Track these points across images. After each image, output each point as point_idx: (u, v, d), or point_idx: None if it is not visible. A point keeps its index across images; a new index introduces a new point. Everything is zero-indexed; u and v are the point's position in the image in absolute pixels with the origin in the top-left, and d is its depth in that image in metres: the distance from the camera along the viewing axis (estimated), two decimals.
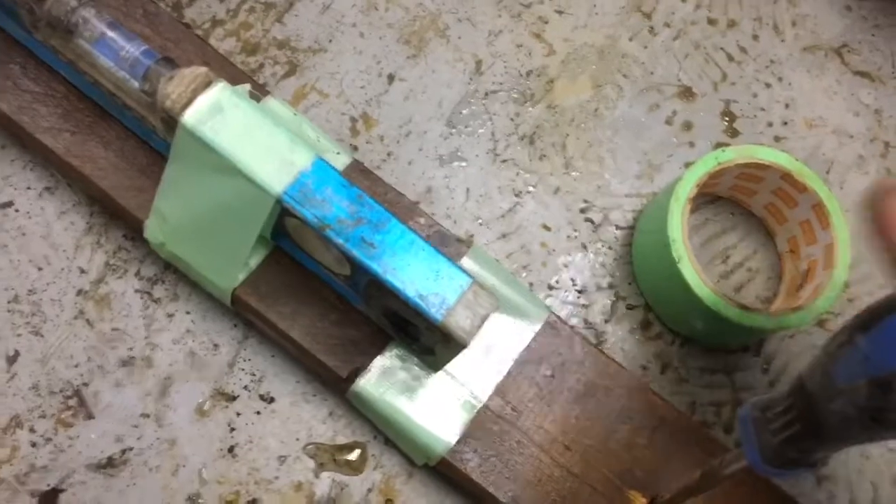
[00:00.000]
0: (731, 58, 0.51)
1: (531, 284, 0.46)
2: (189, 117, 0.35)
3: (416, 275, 0.35)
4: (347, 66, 0.48)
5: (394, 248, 0.35)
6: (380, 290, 0.36)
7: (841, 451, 0.44)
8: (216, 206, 0.37)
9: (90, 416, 0.41)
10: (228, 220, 0.37)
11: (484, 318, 0.35)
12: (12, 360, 0.42)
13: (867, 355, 0.25)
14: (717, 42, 0.52)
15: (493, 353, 0.41)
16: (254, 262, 0.40)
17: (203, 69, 0.35)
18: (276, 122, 0.36)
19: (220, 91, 0.35)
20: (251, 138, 0.35)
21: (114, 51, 0.36)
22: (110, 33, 0.36)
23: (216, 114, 0.35)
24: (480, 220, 0.47)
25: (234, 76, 0.43)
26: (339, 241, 0.35)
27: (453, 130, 0.48)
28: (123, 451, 0.41)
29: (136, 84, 0.36)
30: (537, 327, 0.42)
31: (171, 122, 0.35)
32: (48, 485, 0.40)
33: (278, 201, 0.35)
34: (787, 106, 0.51)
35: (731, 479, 0.32)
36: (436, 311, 0.35)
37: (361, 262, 0.35)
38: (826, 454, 0.28)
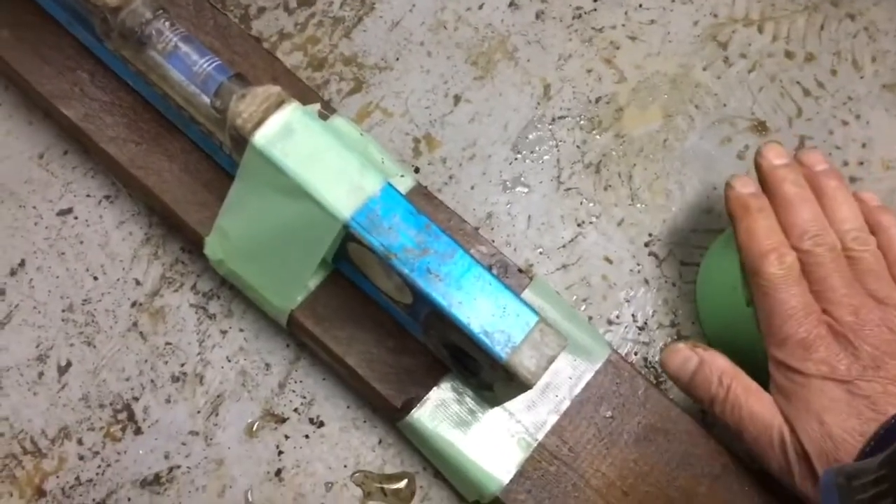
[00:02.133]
0: (807, 92, 0.50)
1: (590, 318, 0.45)
2: (260, 137, 0.34)
3: (482, 310, 0.34)
4: (413, 85, 0.47)
5: (459, 280, 0.34)
6: (442, 321, 0.35)
7: None
8: (281, 228, 0.36)
9: (139, 431, 0.41)
10: (292, 241, 0.36)
11: (550, 360, 0.34)
12: (64, 370, 0.41)
13: None
14: (794, 76, 0.50)
15: (550, 390, 0.40)
16: (312, 284, 0.39)
17: (276, 89, 0.35)
18: (345, 145, 0.35)
19: (291, 112, 0.35)
20: (321, 161, 0.34)
21: (186, 65, 0.35)
22: (184, 47, 0.36)
23: (287, 135, 0.34)
24: (541, 250, 0.46)
25: (301, 92, 0.42)
26: (405, 270, 0.34)
27: (518, 155, 0.47)
28: (171, 469, 0.40)
29: (206, 99, 0.36)
30: (598, 366, 0.41)
31: (240, 140, 0.35)
32: (93, 499, 0.39)
33: (345, 226, 0.34)
34: (863, 145, 0.49)
35: None
36: (500, 349, 0.33)
37: (426, 293, 0.34)
38: None
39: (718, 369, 0.38)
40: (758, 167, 0.40)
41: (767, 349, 0.38)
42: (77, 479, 0.40)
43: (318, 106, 0.38)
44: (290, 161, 0.34)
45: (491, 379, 0.36)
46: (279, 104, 0.35)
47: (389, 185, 0.35)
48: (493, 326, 0.34)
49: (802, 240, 0.38)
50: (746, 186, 0.40)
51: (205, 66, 0.36)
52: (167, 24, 0.36)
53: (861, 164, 0.49)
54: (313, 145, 0.35)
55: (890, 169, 0.49)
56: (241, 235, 0.38)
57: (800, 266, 0.37)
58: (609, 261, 0.46)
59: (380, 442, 0.42)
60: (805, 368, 0.36)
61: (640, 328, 0.45)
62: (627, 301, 0.45)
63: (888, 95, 0.50)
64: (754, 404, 0.37)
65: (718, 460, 0.40)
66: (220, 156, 0.40)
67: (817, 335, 0.36)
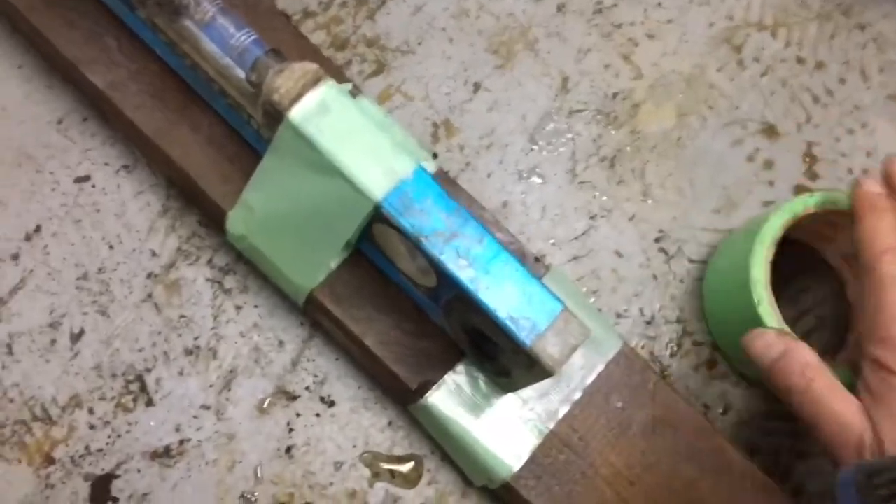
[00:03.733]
0: (816, 99, 0.51)
1: (599, 310, 0.45)
2: (296, 113, 0.34)
3: (508, 296, 0.34)
4: (434, 70, 0.48)
5: (487, 265, 0.35)
6: (466, 305, 0.35)
7: None
8: (310, 205, 0.36)
9: (150, 403, 0.40)
10: (320, 220, 0.36)
11: (573, 348, 0.34)
12: (76, 338, 0.41)
13: None
14: (805, 82, 0.51)
15: (563, 379, 0.41)
16: (333, 264, 0.39)
17: (314, 66, 0.35)
18: (379, 125, 0.35)
19: (328, 90, 0.35)
20: (355, 140, 0.35)
21: (223, 37, 0.35)
22: (221, 19, 0.35)
23: (323, 112, 0.34)
24: (553, 241, 0.46)
25: (327, 71, 0.42)
26: (434, 253, 0.34)
27: (535, 146, 0.47)
28: (181, 442, 0.40)
29: (240, 73, 0.36)
30: (610, 356, 0.41)
31: (275, 114, 0.35)
32: (102, 469, 0.39)
33: (377, 207, 0.34)
34: (868, 154, 0.50)
35: None
36: (525, 335, 0.34)
37: (454, 277, 0.34)
38: None
39: (802, 361, 0.37)
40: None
41: (865, 347, 0.37)
42: (87, 448, 0.39)
43: (350, 85, 0.38)
44: (324, 138, 0.34)
45: (511, 364, 0.37)
46: (316, 81, 0.35)
47: (422, 167, 0.35)
48: (519, 313, 0.34)
49: None
50: (875, 186, 0.40)
51: (242, 39, 0.35)
52: None
53: (865, 171, 0.50)
54: (348, 124, 0.35)
55: None
56: (268, 211, 0.38)
57: None
58: (619, 255, 0.46)
59: (389, 424, 0.42)
60: None
61: (648, 322, 0.46)
62: (636, 295, 0.46)
63: (893, 106, 0.51)
64: (836, 402, 0.36)
65: (723, 457, 0.41)
66: (246, 130, 0.40)
67: None
